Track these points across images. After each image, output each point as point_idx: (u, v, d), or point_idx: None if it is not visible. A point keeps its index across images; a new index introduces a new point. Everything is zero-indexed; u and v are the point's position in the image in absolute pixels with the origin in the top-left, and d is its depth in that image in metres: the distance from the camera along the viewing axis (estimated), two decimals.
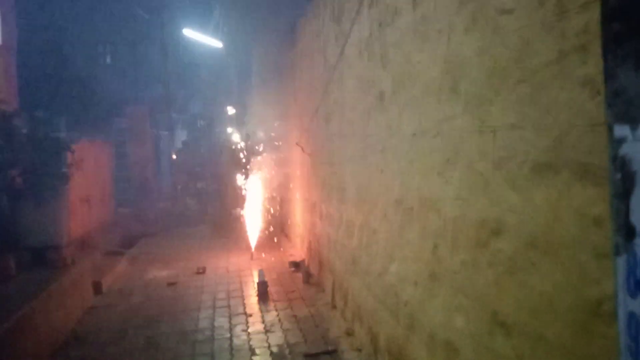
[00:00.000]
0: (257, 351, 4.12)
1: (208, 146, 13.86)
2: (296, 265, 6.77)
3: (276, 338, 4.38)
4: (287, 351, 4.09)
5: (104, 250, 7.41)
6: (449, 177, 2.38)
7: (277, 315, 4.97)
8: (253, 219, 8.35)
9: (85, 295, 5.38)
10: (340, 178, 4.79)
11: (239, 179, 9.39)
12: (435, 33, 2.49)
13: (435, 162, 2.54)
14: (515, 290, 1.83)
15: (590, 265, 1.45)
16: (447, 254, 2.42)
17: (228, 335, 4.51)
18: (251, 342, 4.31)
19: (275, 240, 8.63)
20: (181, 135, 17.53)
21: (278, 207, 9.11)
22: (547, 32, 1.62)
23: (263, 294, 5.53)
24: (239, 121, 10.16)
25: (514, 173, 1.83)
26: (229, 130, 10.68)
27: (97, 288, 5.76)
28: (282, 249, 8.25)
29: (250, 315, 5.01)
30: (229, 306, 5.33)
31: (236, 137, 10.08)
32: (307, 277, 6.10)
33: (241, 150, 9.38)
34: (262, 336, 4.44)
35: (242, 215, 8.87)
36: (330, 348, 4.06)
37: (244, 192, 8.99)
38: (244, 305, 5.36)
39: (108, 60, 17.90)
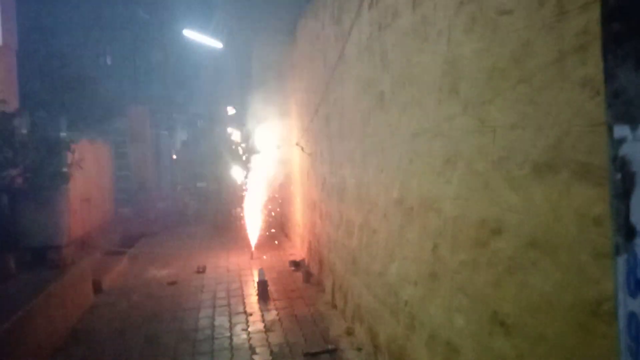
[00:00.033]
0: (257, 350, 4.13)
1: (208, 146, 13.85)
2: (296, 264, 6.78)
3: (276, 337, 4.38)
4: (287, 350, 4.09)
5: (104, 250, 7.42)
6: (449, 177, 2.38)
7: (277, 315, 4.97)
8: (253, 219, 8.35)
9: (85, 294, 5.38)
10: (340, 178, 4.79)
11: (239, 178, 9.40)
12: (435, 34, 2.50)
13: (435, 162, 2.54)
14: (515, 290, 1.84)
15: (590, 265, 1.45)
16: (447, 253, 2.42)
17: (228, 334, 4.51)
18: (251, 341, 4.31)
19: (276, 240, 8.64)
20: (181, 135, 17.54)
21: (278, 207, 9.13)
22: (547, 32, 1.62)
23: (263, 293, 5.54)
24: (239, 121, 10.17)
25: (514, 173, 1.83)
26: (229, 130, 10.69)
27: (97, 287, 5.77)
28: (282, 249, 8.26)
29: (251, 315, 5.01)
30: (229, 305, 5.34)
31: (236, 137, 10.08)
32: (307, 276, 6.11)
33: (241, 150, 9.38)
34: (262, 335, 4.45)
35: (242, 215, 8.88)
36: (330, 347, 4.06)
37: (244, 192, 9.00)
38: (244, 304, 5.37)
39: (108, 60, 17.91)
